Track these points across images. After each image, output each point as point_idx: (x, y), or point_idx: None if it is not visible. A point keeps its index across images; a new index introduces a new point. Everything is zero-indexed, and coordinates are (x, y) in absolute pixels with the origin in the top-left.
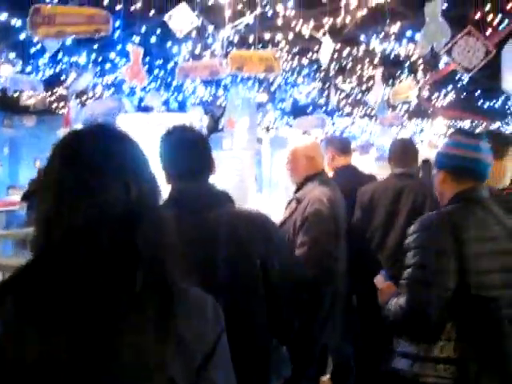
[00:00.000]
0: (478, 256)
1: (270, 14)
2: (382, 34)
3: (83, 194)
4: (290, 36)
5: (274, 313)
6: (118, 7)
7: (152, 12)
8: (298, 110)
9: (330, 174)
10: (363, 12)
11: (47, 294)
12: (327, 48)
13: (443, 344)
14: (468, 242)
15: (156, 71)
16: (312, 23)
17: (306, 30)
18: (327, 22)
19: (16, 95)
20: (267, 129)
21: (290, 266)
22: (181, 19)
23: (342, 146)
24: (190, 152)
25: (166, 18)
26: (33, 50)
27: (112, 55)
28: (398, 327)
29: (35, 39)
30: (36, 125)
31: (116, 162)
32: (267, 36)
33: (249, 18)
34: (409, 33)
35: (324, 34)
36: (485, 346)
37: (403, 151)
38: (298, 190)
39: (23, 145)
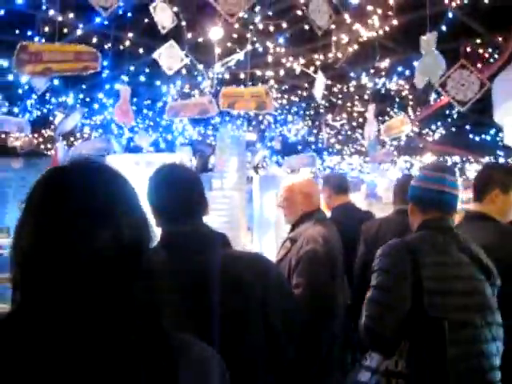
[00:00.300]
0: (435, 279)
1: (260, 50)
2: (372, 69)
3: (66, 239)
4: (281, 73)
5: (272, 348)
6: (107, 46)
7: (141, 50)
8: (287, 149)
9: (327, 212)
10: (354, 47)
11: (32, 353)
12: (320, 83)
13: (397, 359)
14: (426, 266)
15: (145, 111)
16: (302, 60)
17: (297, 66)
18: (318, 57)
19: (3, 137)
20: (256, 168)
21: (292, 310)
22: (170, 57)
23: (339, 184)
24: (182, 191)
25: (155, 55)
26: (20, 91)
27: (100, 95)
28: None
29: (22, 79)
30: (23, 167)
31: (105, 201)
32: (258, 73)
33: (239, 55)
34: (399, 68)
35: (315, 70)
36: (431, 364)
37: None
38: (292, 229)
39: (10, 187)
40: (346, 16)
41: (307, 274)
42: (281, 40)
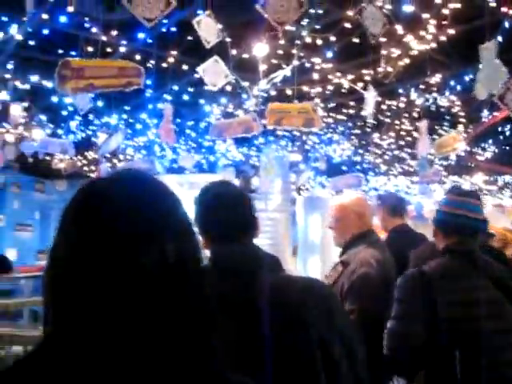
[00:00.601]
0: (451, 305)
1: (306, 66)
2: (422, 85)
3: (105, 257)
4: (328, 89)
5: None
6: (150, 64)
7: (184, 67)
8: (331, 169)
9: (381, 234)
10: (405, 61)
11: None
12: (371, 99)
13: None
14: (441, 293)
15: (188, 131)
16: (350, 76)
17: (345, 82)
18: (368, 72)
19: (48, 159)
20: (299, 189)
21: (354, 339)
22: (214, 72)
23: (397, 205)
24: (234, 209)
25: (199, 69)
26: (64, 112)
27: (143, 116)
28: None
29: (66, 100)
30: (67, 189)
31: (152, 217)
32: (304, 89)
33: (286, 71)
34: (451, 82)
35: (364, 86)
36: None
37: None
38: (343, 251)
39: (54, 209)
40: (398, 27)
41: (360, 299)
42: (329, 54)
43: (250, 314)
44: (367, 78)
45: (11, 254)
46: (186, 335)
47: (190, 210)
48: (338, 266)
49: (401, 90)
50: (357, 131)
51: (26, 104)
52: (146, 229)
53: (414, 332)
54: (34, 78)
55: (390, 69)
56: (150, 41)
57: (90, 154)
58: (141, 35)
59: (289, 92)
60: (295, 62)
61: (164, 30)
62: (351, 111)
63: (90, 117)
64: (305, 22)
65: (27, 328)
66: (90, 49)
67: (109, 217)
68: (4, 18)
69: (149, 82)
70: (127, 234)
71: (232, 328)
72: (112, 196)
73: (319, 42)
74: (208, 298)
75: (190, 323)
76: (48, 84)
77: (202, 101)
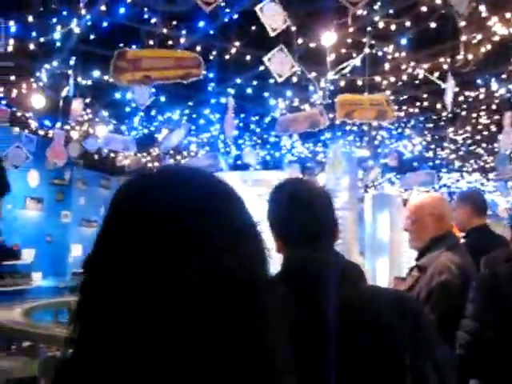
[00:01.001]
0: None
1: (377, 55)
2: (504, 74)
3: (162, 266)
4: (401, 80)
5: None
6: (212, 57)
7: (248, 58)
8: (401, 166)
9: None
10: (486, 48)
11: None
12: (451, 89)
13: None
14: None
15: (252, 126)
16: (425, 65)
17: (420, 71)
18: (445, 61)
19: (112, 155)
20: (366, 187)
21: (448, 361)
22: (280, 62)
23: (480, 203)
24: (313, 210)
25: (265, 59)
26: (127, 109)
27: (206, 111)
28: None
29: (128, 96)
30: None
31: (214, 217)
32: (376, 80)
33: (356, 60)
34: None
35: (441, 76)
36: None
37: None
38: (420, 255)
39: None
40: (481, 8)
41: (440, 309)
42: (403, 41)
43: (331, 338)
44: (445, 66)
45: (76, 250)
46: (250, 364)
47: (254, 208)
48: (414, 271)
49: (479, 81)
50: (430, 125)
51: (87, 100)
52: (204, 226)
53: (485, 331)
54: (96, 74)
55: (469, 56)
56: (212, 32)
57: (154, 151)
58: (202, 25)
59: (359, 83)
60: (366, 50)
61: (226, 19)
62: (425, 103)
63: (153, 112)
64: (377, 5)
65: None
66: (151, 42)
67: (165, 210)
68: (64, 13)
69: (211, 75)
70: (172, 236)
71: (311, 358)
72: (156, 194)
73: (392, 28)
74: (278, 323)
75: (255, 351)
76: (109, 79)
77: (266, 94)
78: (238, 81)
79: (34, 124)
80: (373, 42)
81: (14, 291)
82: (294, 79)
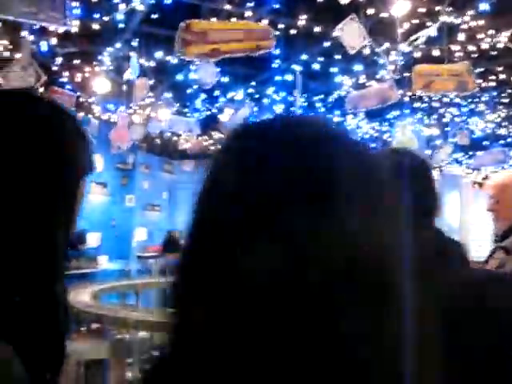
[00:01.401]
0: None
1: (454, 22)
2: None
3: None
4: (475, 51)
5: None
6: (278, 32)
7: (316, 30)
8: (471, 145)
9: None
10: None
11: None
12: None
13: None
14: None
15: (318, 105)
16: (506, 33)
17: (502, 39)
18: None
19: (174, 139)
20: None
21: None
22: (352, 33)
23: None
24: (418, 183)
25: (335, 31)
26: (189, 90)
27: (269, 91)
28: None
29: (191, 75)
30: (194, 170)
31: (346, 183)
32: (453, 50)
33: (430, 30)
34: None
35: None
36: None
37: None
38: (504, 236)
39: (181, 189)
40: None
41: None
42: (482, 7)
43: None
44: None
45: (141, 233)
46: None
47: None
48: (497, 253)
49: None
50: (504, 100)
51: (151, 82)
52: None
53: None
54: (159, 55)
55: None
56: (278, 6)
57: (216, 134)
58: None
59: (434, 54)
60: (443, 18)
61: None
62: (501, 77)
63: (216, 93)
64: None
65: (154, 311)
66: (214, 19)
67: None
68: None
69: (277, 51)
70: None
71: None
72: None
73: None
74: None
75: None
76: (173, 61)
77: (334, 69)
78: (304, 57)
79: (97, 108)
80: (448, 9)
81: (81, 274)
82: (365, 52)
